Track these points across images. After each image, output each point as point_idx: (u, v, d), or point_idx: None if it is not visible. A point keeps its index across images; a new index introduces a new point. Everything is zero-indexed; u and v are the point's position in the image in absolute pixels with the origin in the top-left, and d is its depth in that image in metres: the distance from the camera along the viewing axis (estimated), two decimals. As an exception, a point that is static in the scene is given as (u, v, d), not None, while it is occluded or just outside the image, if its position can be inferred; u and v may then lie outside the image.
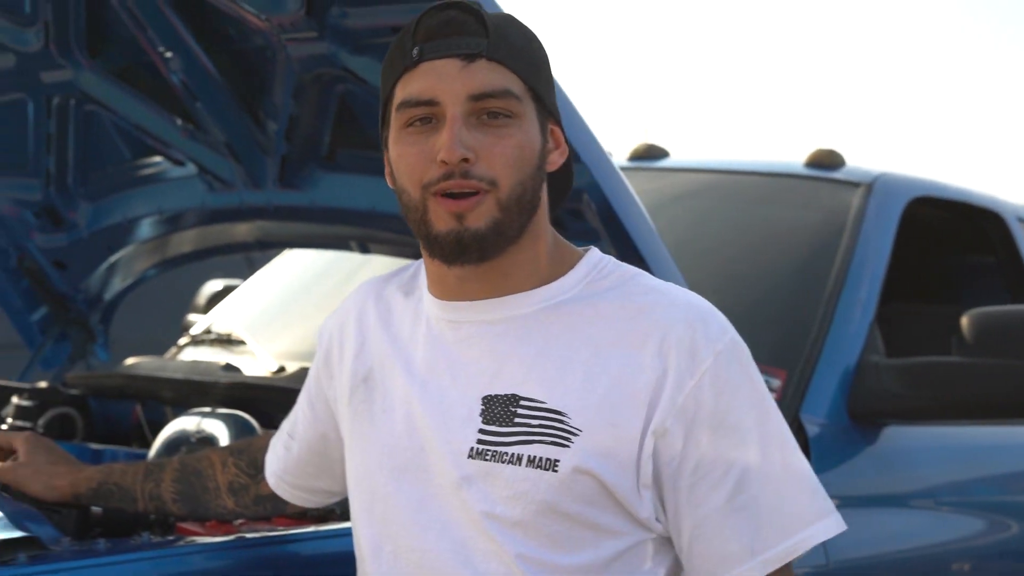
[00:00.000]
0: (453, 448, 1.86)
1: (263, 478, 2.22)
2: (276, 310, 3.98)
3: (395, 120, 1.88)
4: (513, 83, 1.85)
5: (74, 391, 3.37)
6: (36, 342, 3.67)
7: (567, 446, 1.81)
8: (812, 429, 2.98)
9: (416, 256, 2.36)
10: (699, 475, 1.83)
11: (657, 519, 1.85)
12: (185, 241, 3.46)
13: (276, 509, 2.24)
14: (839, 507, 2.93)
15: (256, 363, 3.36)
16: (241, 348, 3.55)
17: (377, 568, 1.92)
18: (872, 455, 3.15)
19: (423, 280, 2.00)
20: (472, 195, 1.83)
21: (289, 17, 2.59)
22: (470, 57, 1.84)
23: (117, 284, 3.62)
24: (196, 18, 2.79)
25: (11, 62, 3.04)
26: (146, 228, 3.40)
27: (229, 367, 3.31)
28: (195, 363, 3.45)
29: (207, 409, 2.87)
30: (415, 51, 1.85)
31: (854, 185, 3.52)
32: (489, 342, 1.89)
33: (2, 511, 2.06)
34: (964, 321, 3.27)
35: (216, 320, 3.93)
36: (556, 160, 1.94)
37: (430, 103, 1.84)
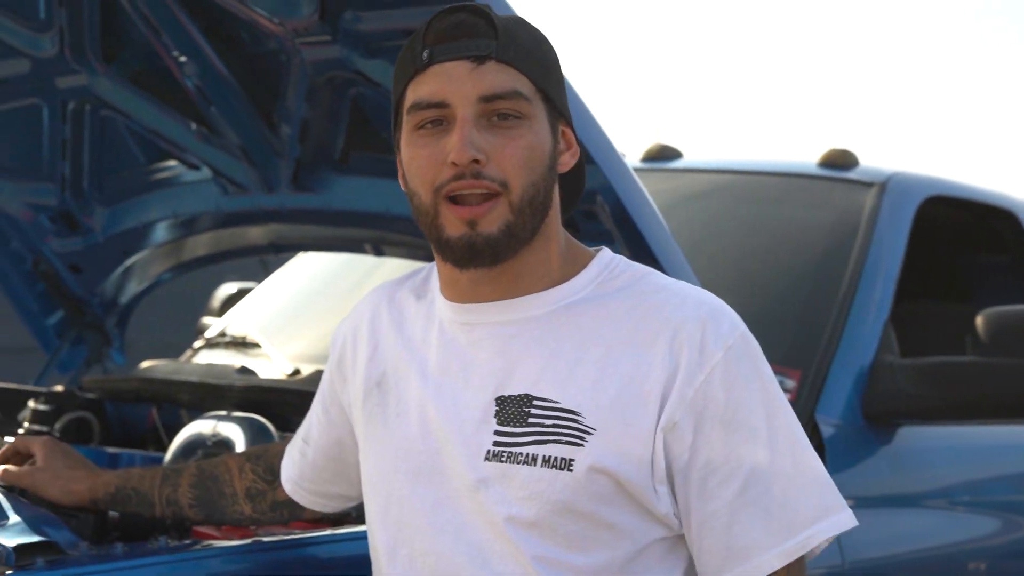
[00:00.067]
0: (469, 451, 1.86)
1: (280, 484, 2.23)
2: (291, 313, 3.98)
3: (406, 123, 1.89)
4: (523, 84, 1.86)
5: (90, 395, 3.37)
6: (52, 346, 3.68)
7: (581, 445, 1.82)
8: (827, 429, 2.98)
9: (430, 258, 2.37)
10: (709, 469, 1.83)
11: (676, 515, 1.86)
12: (200, 245, 3.47)
13: (293, 515, 2.25)
14: (854, 507, 2.93)
15: (271, 366, 3.36)
16: (256, 351, 3.55)
17: (393, 572, 1.93)
18: (887, 455, 3.15)
19: (435, 283, 2.00)
20: (484, 200, 1.84)
21: (303, 21, 2.59)
22: (480, 59, 1.85)
23: (132, 288, 3.63)
24: (210, 23, 2.79)
25: (26, 68, 3.05)
26: (161, 232, 3.41)
27: (244, 370, 3.31)
28: (210, 366, 3.46)
29: (223, 412, 2.87)
30: (425, 54, 1.86)
31: (867, 185, 3.51)
32: (502, 343, 1.89)
33: (20, 516, 2.07)
34: (979, 320, 3.27)
35: (231, 323, 3.93)
36: (568, 161, 1.95)
37: (440, 105, 1.85)
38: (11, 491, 2.28)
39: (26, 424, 3.21)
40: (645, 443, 1.82)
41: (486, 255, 1.86)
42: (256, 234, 3.35)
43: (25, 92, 3.15)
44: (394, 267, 3.42)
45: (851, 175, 3.60)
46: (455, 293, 1.94)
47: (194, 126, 3.04)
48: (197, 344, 3.85)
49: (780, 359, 3.01)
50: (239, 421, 2.79)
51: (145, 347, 4.48)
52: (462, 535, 1.86)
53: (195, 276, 3.78)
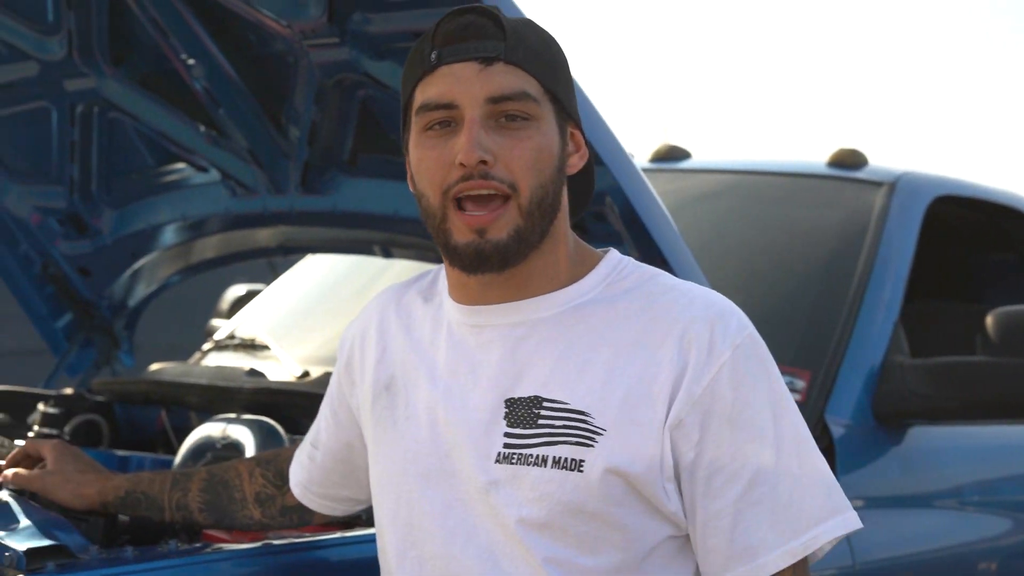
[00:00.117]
0: (480, 453, 1.86)
1: (289, 489, 2.23)
2: (300, 315, 3.98)
3: (415, 124, 1.90)
4: (531, 86, 1.86)
5: (99, 397, 3.38)
6: (61, 348, 3.68)
7: (591, 446, 1.82)
8: (837, 430, 2.98)
9: (439, 260, 2.37)
10: (715, 468, 1.83)
11: (684, 513, 1.86)
12: (208, 247, 3.47)
13: (302, 520, 2.25)
14: (865, 508, 2.95)
15: (280, 368, 3.36)
16: (265, 353, 3.55)
17: (402, 575, 1.93)
18: (897, 456, 3.15)
19: (443, 285, 2.00)
20: (493, 203, 1.83)
21: (311, 23, 2.59)
22: (488, 60, 1.85)
23: (141, 290, 3.63)
24: (218, 25, 2.79)
25: (35, 71, 3.06)
26: (170, 234, 3.41)
27: (253, 372, 3.31)
28: (219, 368, 3.46)
29: (232, 415, 2.87)
30: (433, 55, 1.86)
31: (877, 184, 3.51)
32: (511, 345, 1.89)
33: (31, 520, 2.08)
34: (989, 320, 3.26)
35: (240, 325, 3.93)
36: (576, 163, 1.95)
37: (448, 106, 1.85)
38: (21, 495, 2.28)
39: (35, 427, 3.21)
40: (654, 442, 1.82)
41: (494, 261, 1.86)
42: (265, 236, 3.35)
43: (34, 95, 3.15)
44: (403, 269, 3.42)
45: (860, 175, 3.59)
46: (464, 295, 1.93)
47: (202, 128, 3.04)
48: (206, 346, 3.85)
49: (790, 359, 3.01)
50: (249, 424, 2.79)
51: (154, 349, 4.49)
52: (472, 537, 1.86)
53: (204, 278, 3.78)
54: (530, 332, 1.89)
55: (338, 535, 2.30)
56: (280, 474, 2.25)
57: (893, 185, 3.48)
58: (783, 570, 1.84)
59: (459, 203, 1.85)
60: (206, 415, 3.05)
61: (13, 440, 2.85)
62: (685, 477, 1.84)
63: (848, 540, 1.90)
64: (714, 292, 1.92)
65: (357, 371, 2.07)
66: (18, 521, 2.08)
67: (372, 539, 2.03)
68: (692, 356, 1.83)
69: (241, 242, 3.42)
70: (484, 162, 1.83)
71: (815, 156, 3.79)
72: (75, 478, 2.32)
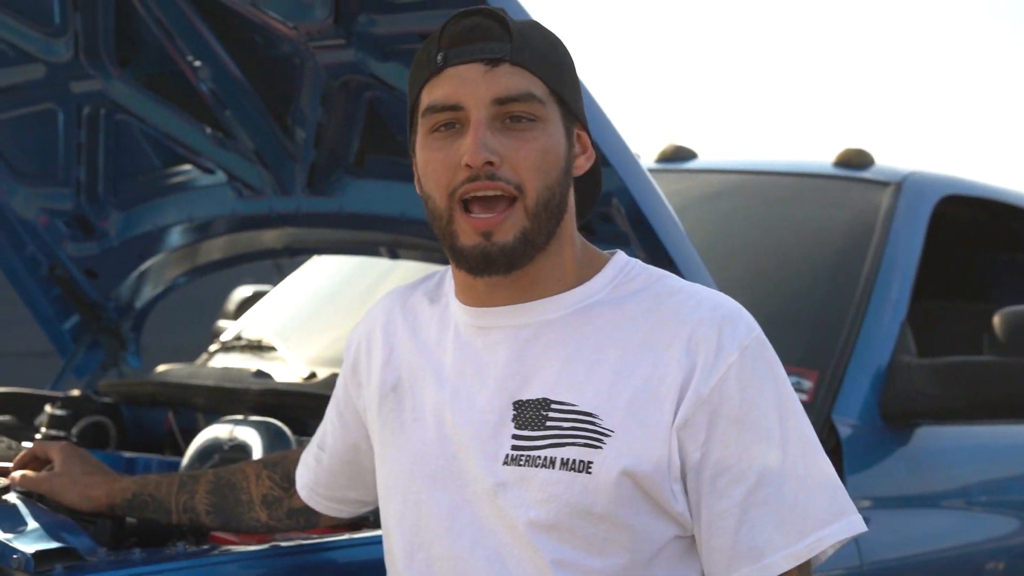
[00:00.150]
0: (487, 455, 1.86)
1: (296, 491, 2.23)
2: (306, 316, 3.98)
3: (421, 126, 1.90)
4: (536, 87, 1.86)
5: (106, 399, 3.38)
6: (68, 350, 3.69)
7: (600, 448, 1.82)
8: (844, 430, 2.98)
9: (446, 261, 2.37)
10: (721, 468, 1.83)
11: (691, 514, 1.86)
12: (215, 248, 3.47)
13: (309, 522, 2.25)
14: (872, 508, 2.95)
15: (287, 369, 3.37)
16: (272, 354, 3.56)
17: (410, 576, 1.93)
18: (905, 456, 3.14)
19: (449, 287, 2.01)
20: (498, 204, 1.83)
21: (317, 25, 2.59)
22: (493, 62, 1.85)
23: (148, 292, 3.63)
24: (224, 27, 2.80)
25: (41, 73, 3.06)
26: (176, 236, 3.41)
27: (260, 373, 3.32)
28: (226, 370, 3.46)
29: (239, 416, 2.87)
30: (439, 57, 1.86)
31: (883, 184, 3.51)
32: (518, 347, 1.89)
33: (39, 522, 2.08)
34: (996, 320, 3.26)
35: (246, 326, 3.93)
36: (583, 165, 1.95)
37: (454, 108, 1.85)
38: (29, 497, 2.28)
39: (43, 429, 3.22)
40: (662, 443, 1.82)
41: (501, 264, 1.86)
42: (271, 238, 3.35)
43: (40, 97, 3.16)
44: (409, 270, 3.42)
45: (867, 175, 3.59)
46: (470, 297, 1.93)
47: (209, 130, 3.04)
48: (213, 347, 3.85)
49: (797, 360, 3.01)
50: (256, 425, 2.79)
51: (160, 351, 4.49)
52: (480, 539, 1.86)
53: (210, 279, 3.79)
54: (537, 334, 1.89)
55: (346, 537, 2.30)
56: (287, 476, 2.25)
57: (900, 185, 3.48)
58: (788, 572, 1.84)
59: (465, 205, 1.85)
60: (213, 416, 3.05)
61: (20, 442, 2.86)
62: (691, 477, 1.84)
63: (856, 540, 1.90)
64: (721, 294, 1.92)
65: (363, 373, 2.07)
66: (26, 523, 2.08)
67: (379, 540, 2.03)
68: (700, 357, 1.83)
69: (247, 243, 3.43)
70: (490, 163, 1.83)
71: (821, 156, 3.79)
72: (83, 480, 2.33)
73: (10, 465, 2.43)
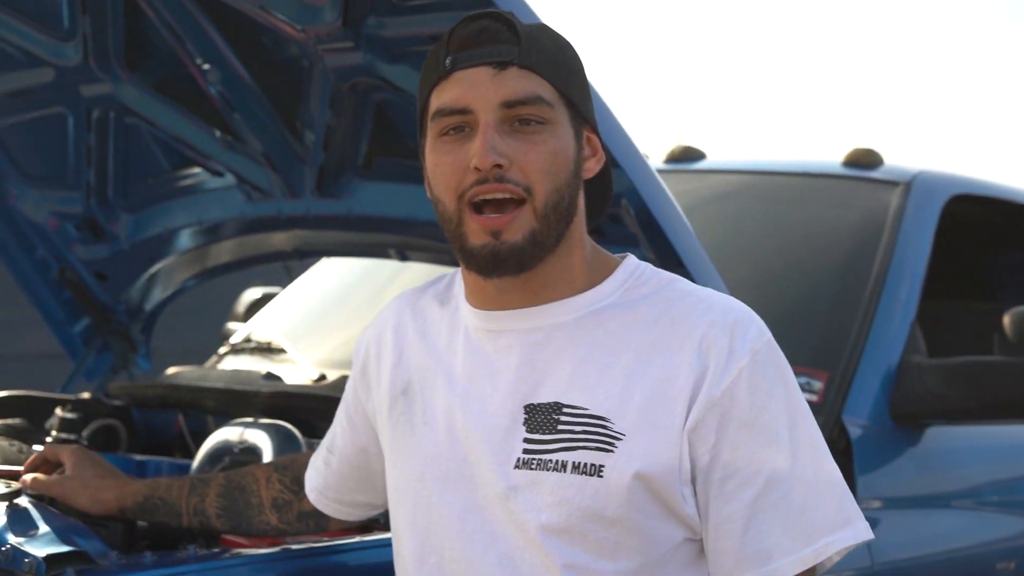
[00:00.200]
0: (499, 458, 1.86)
1: (306, 494, 2.23)
2: (316, 318, 3.99)
3: (430, 130, 1.90)
4: (545, 90, 1.86)
5: (117, 402, 3.39)
6: (78, 353, 3.69)
7: (611, 451, 1.82)
8: (854, 431, 2.97)
9: (455, 263, 2.37)
10: (729, 471, 1.83)
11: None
12: (224, 251, 3.47)
13: (319, 525, 2.25)
14: (882, 508, 2.94)
15: (297, 372, 3.37)
16: (281, 356, 3.56)
17: (422, 579, 1.93)
18: (915, 456, 3.14)
19: (458, 289, 2.01)
20: (508, 206, 1.84)
21: (325, 28, 2.59)
22: (501, 65, 1.85)
23: (157, 294, 3.64)
24: (233, 30, 2.80)
25: (51, 76, 3.06)
26: (186, 238, 3.42)
27: (270, 376, 3.32)
28: (236, 372, 3.47)
29: (249, 419, 2.88)
30: (448, 61, 1.87)
31: (892, 184, 3.50)
32: (529, 351, 1.89)
33: (50, 526, 2.08)
34: (1006, 320, 3.25)
35: (256, 328, 3.94)
36: (593, 167, 1.95)
37: (463, 111, 1.86)
38: (40, 500, 2.28)
39: (54, 432, 3.22)
40: (673, 446, 1.82)
41: (511, 264, 1.86)
42: (280, 240, 3.36)
43: (50, 101, 3.16)
44: (418, 271, 3.42)
45: (876, 174, 3.59)
46: (481, 300, 1.94)
47: (218, 133, 3.05)
48: (222, 350, 3.85)
49: (807, 360, 3.01)
50: (266, 428, 2.79)
51: (170, 353, 4.49)
52: (492, 543, 1.86)
53: (219, 281, 3.79)
54: (548, 337, 1.89)
55: (356, 539, 2.31)
56: (297, 480, 2.25)
57: (909, 184, 3.48)
58: None
59: (475, 207, 1.85)
60: (223, 419, 3.06)
61: (31, 445, 2.86)
62: (700, 479, 1.84)
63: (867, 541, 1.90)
64: (732, 298, 1.93)
65: (373, 376, 2.07)
66: (37, 527, 2.08)
67: (390, 543, 2.03)
68: (711, 360, 1.83)
69: (257, 246, 3.43)
70: (499, 166, 1.83)
71: (830, 156, 3.78)
72: (94, 483, 2.33)
73: (21, 468, 2.43)
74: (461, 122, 1.86)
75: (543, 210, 1.85)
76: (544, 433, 1.85)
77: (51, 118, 3.21)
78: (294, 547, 2.20)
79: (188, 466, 2.90)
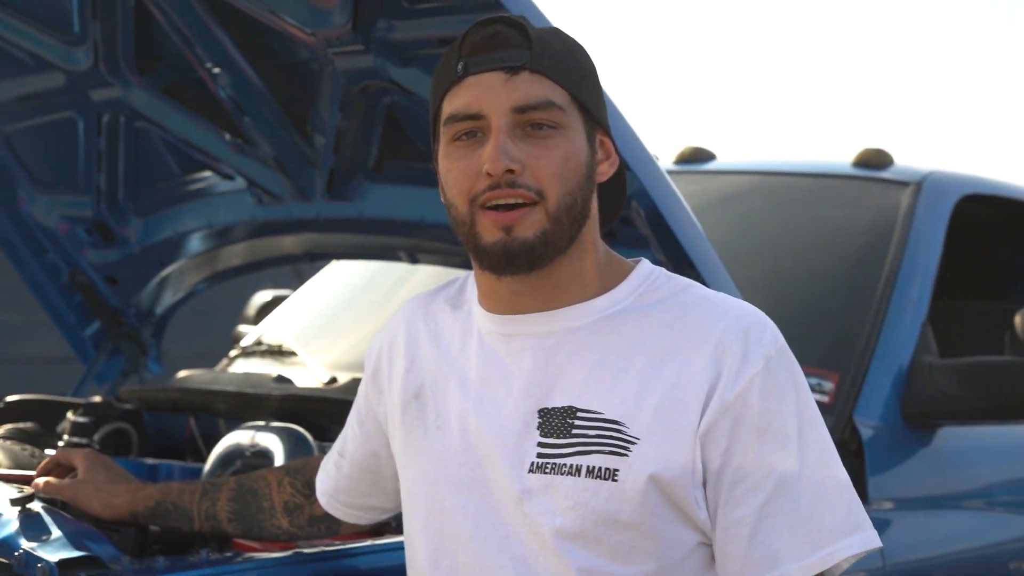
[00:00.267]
0: (513, 462, 1.86)
1: (317, 498, 2.23)
2: (326, 320, 3.99)
3: (443, 135, 1.90)
4: (557, 94, 1.86)
5: (128, 406, 3.38)
6: (89, 357, 3.70)
7: (626, 455, 1.82)
8: (866, 431, 2.97)
9: (465, 265, 2.37)
10: (739, 476, 1.83)
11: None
12: (235, 254, 3.48)
13: (331, 529, 2.25)
14: (894, 509, 2.94)
15: (308, 374, 3.37)
16: (292, 359, 3.56)
17: (435, 583, 1.93)
18: (927, 456, 3.14)
19: (471, 293, 2.01)
20: (520, 207, 1.84)
21: (336, 31, 2.59)
22: (513, 70, 1.85)
23: (168, 298, 3.64)
24: (243, 34, 2.80)
25: (61, 81, 3.07)
26: (196, 242, 3.42)
27: (281, 379, 3.32)
28: (247, 375, 3.46)
29: (261, 422, 2.88)
30: (460, 66, 1.87)
31: (903, 184, 3.50)
32: (543, 355, 1.89)
33: (62, 530, 2.08)
34: (1017, 320, 3.25)
35: (267, 331, 3.94)
36: (606, 171, 1.95)
37: (475, 117, 1.86)
38: (52, 504, 2.29)
39: (65, 436, 3.22)
40: (687, 450, 1.82)
41: (522, 260, 1.86)
42: (291, 243, 3.36)
43: (60, 105, 3.17)
44: (429, 274, 3.43)
45: (886, 175, 3.58)
46: (494, 304, 1.94)
47: (228, 137, 3.05)
48: (233, 353, 3.86)
49: (818, 361, 3.01)
50: (277, 431, 2.79)
51: (181, 357, 4.50)
52: (506, 547, 1.86)
53: (230, 284, 3.79)
54: (562, 342, 1.89)
55: (368, 543, 2.31)
56: (308, 483, 2.25)
57: (919, 184, 3.47)
58: None
59: (486, 207, 1.86)
60: (234, 422, 3.06)
61: (43, 449, 2.86)
62: (711, 483, 1.84)
63: (878, 542, 1.90)
64: (746, 303, 1.93)
65: (384, 380, 2.07)
66: (50, 532, 2.08)
67: (402, 547, 2.03)
68: (725, 365, 1.83)
69: (267, 249, 3.43)
70: (511, 171, 1.83)
71: (840, 156, 3.78)
72: (106, 488, 2.33)
73: (33, 473, 2.43)
74: (473, 127, 1.86)
75: (555, 213, 1.85)
76: (558, 437, 1.85)
77: (61, 122, 3.21)
78: (306, 551, 2.20)
79: (199, 470, 2.90)
